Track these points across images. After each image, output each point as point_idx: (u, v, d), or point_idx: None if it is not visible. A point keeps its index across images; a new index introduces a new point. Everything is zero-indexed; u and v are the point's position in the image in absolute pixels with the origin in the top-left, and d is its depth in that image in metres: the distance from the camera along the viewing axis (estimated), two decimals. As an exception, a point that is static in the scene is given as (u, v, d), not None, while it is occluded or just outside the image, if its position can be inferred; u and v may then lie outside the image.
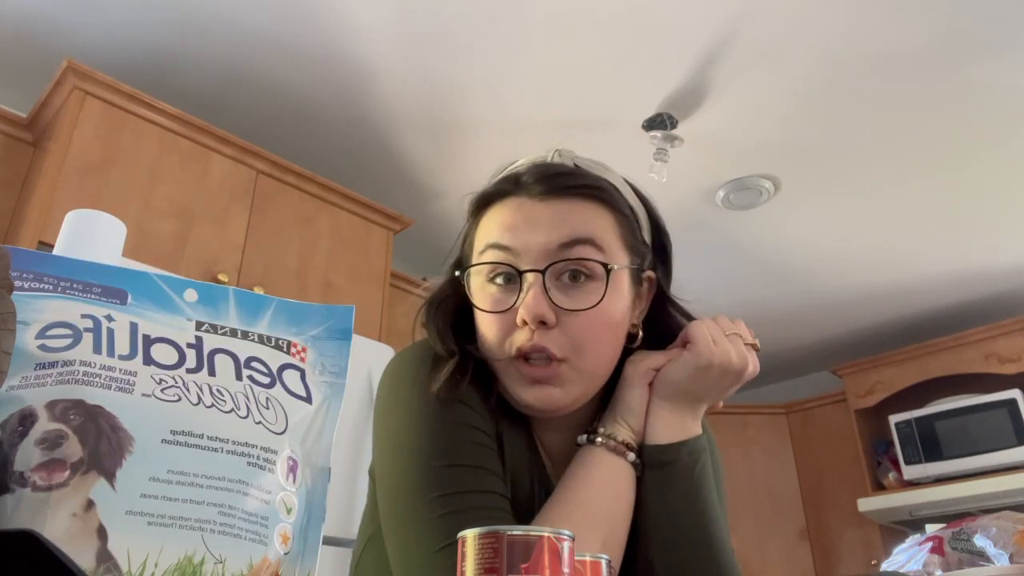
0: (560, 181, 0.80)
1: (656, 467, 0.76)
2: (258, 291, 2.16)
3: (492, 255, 0.78)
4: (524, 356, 0.75)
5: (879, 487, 3.70)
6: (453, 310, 0.83)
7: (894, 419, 3.65)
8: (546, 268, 0.75)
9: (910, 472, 3.53)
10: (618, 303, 0.78)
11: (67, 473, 0.46)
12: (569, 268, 0.76)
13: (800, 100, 2.47)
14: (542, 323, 0.74)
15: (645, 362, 0.81)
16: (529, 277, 0.75)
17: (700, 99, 2.47)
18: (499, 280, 0.78)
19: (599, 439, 0.77)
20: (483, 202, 0.83)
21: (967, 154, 2.72)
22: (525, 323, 0.74)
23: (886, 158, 2.74)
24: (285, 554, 0.51)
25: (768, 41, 2.24)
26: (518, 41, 2.26)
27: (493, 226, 0.80)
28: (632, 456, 0.77)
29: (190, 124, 2.27)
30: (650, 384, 0.80)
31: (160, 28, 2.24)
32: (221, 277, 2.18)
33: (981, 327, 3.56)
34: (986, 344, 3.51)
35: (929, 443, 3.51)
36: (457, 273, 0.82)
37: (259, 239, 2.33)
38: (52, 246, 0.71)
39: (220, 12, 2.18)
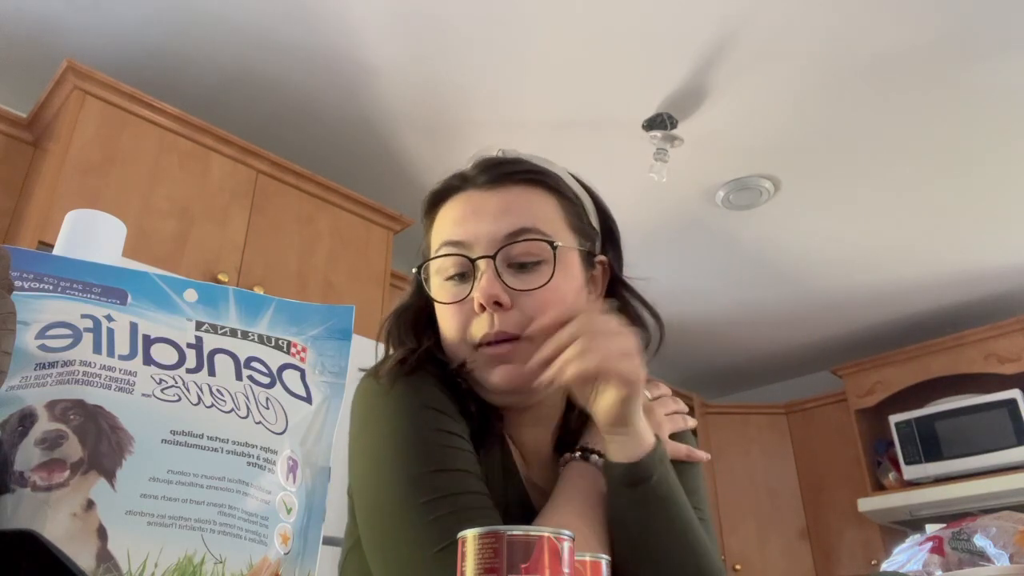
0: (503, 168, 0.84)
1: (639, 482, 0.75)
2: (258, 291, 2.15)
3: (445, 251, 0.82)
4: (487, 343, 0.78)
5: (879, 487, 3.69)
6: (419, 318, 0.86)
7: (894, 419, 3.65)
8: (496, 253, 0.78)
9: (910, 472, 3.53)
10: (570, 283, 0.81)
11: (67, 473, 0.46)
12: (519, 252, 0.79)
13: (800, 100, 2.47)
14: (497, 304, 0.77)
15: None
16: (481, 264, 0.79)
17: (700, 99, 2.47)
18: (455, 275, 0.81)
19: (592, 456, 0.78)
20: (433, 201, 0.88)
21: (967, 154, 2.72)
22: (483, 308, 0.77)
23: (886, 158, 2.74)
24: (285, 554, 0.51)
25: (768, 41, 2.24)
26: (518, 41, 2.26)
27: (445, 223, 0.84)
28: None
29: (190, 124, 2.26)
30: None
31: (160, 28, 2.24)
32: (221, 277, 2.17)
33: (981, 327, 3.55)
34: (986, 344, 3.51)
35: (929, 443, 3.51)
36: (414, 271, 0.85)
37: (259, 239, 2.33)
38: (52, 246, 0.70)
39: (220, 12, 2.18)
